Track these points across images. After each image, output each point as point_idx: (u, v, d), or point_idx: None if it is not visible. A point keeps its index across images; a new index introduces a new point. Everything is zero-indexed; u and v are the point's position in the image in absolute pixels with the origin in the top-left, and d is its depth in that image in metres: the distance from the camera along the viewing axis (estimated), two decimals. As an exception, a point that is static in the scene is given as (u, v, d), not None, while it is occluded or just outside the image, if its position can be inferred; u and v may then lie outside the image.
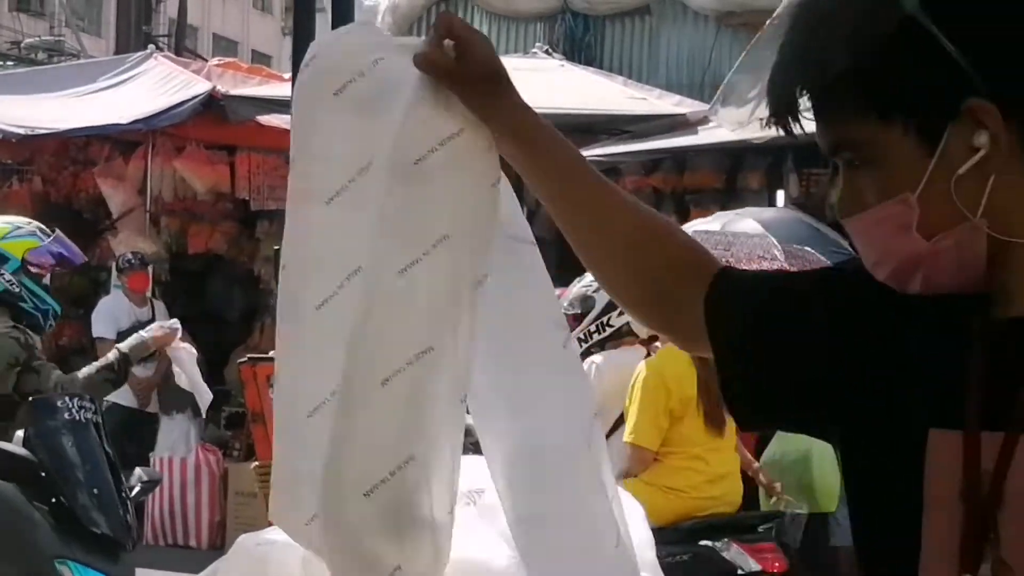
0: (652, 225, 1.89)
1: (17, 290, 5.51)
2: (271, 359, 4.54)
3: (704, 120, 11.25)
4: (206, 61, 15.33)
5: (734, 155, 11.47)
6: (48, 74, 16.14)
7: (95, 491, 5.19)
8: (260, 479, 5.31)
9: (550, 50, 12.52)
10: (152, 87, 12.74)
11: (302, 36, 4.58)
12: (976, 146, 1.52)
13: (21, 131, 12.46)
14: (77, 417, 5.22)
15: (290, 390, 2.26)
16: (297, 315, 2.19)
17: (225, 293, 13.32)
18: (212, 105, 11.96)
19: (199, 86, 12.34)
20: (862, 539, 1.68)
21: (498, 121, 1.91)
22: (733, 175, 11.51)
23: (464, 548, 2.57)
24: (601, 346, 6.96)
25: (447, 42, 1.84)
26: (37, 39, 30.35)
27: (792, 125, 1.66)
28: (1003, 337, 1.55)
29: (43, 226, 5.79)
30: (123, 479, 5.42)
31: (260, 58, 34.31)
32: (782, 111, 1.65)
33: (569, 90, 11.56)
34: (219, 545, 10.13)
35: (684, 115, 11.17)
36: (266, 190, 12.58)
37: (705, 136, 10.98)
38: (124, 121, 12.16)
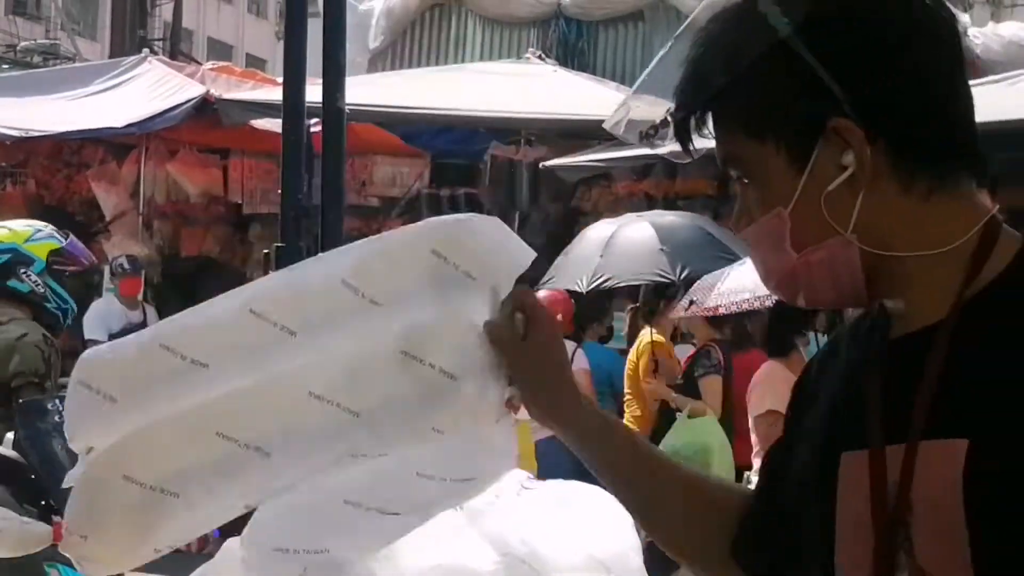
0: (704, 499, 1.95)
1: (42, 291, 5.64)
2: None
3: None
4: (200, 65, 15.31)
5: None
6: (43, 77, 16.10)
7: (80, 494, 5.12)
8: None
9: (543, 55, 12.49)
10: (146, 91, 12.73)
11: (294, 40, 4.54)
12: (844, 164, 1.57)
13: (16, 134, 12.45)
14: (64, 420, 5.13)
15: None
16: None
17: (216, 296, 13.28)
18: (205, 109, 11.96)
19: (193, 90, 12.33)
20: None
21: (564, 423, 1.96)
22: (725, 181, 11.46)
23: (450, 553, 2.53)
24: None
25: (518, 316, 1.89)
26: (33, 42, 30.29)
27: (688, 142, 1.73)
28: (894, 354, 1.62)
29: (60, 230, 5.92)
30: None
31: (255, 62, 34.20)
32: (678, 127, 1.72)
33: (562, 95, 11.54)
34: (210, 550, 10.09)
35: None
36: (259, 193, 12.57)
37: (698, 141, 10.90)
38: (118, 124, 12.15)
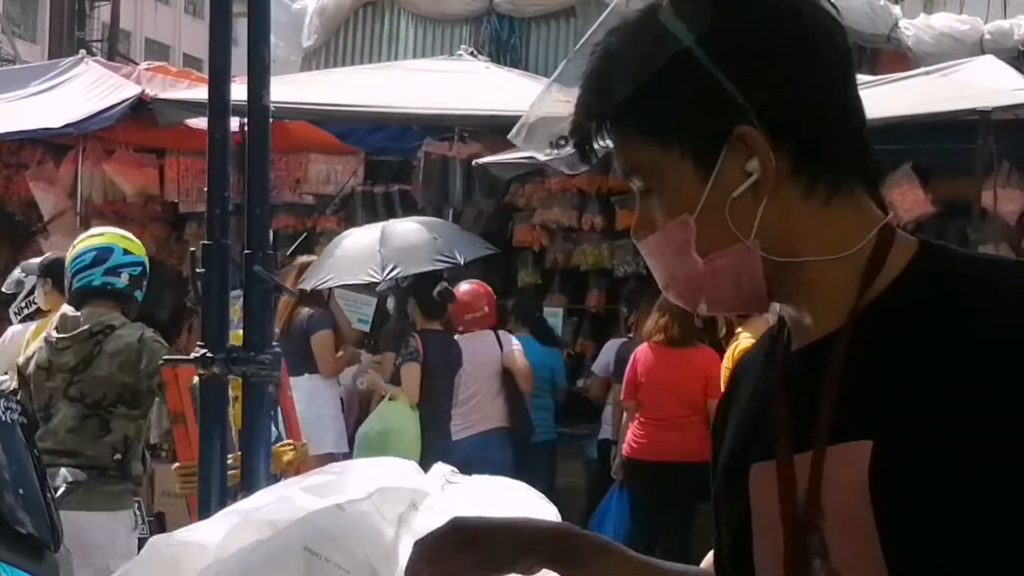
0: None
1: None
2: (192, 360, 4.52)
3: (629, 121, 11.16)
4: (136, 65, 15.15)
5: (658, 155, 11.42)
6: (-19, 79, 15.90)
7: (20, 491, 5.09)
8: (182, 480, 5.18)
9: (476, 52, 12.42)
10: (83, 91, 12.61)
11: (219, 38, 4.45)
12: (748, 171, 1.58)
13: (-44, 136, 12.32)
14: (3, 418, 5.13)
15: None
16: None
17: (155, 294, 13.10)
18: (141, 109, 11.87)
19: (128, 90, 12.23)
20: None
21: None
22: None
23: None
24: (31, 318, 8.02)
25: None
26: (-28, 45, 29.98)
27: (588, 152, 1.72)
28: (800, 363, 1.65)
29: None
30: (48, 480, 5.30)
31: (192, 62, 33.93)
32: (577, 139, 1.72)
33: (494, 92, 11.46)
34: (147, 546, 9.95)
35: (608, 116, 11.08)
36: (195, 192, 12.46)
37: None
38: (55, 125, 12.05)
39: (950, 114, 9.66)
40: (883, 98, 10.09)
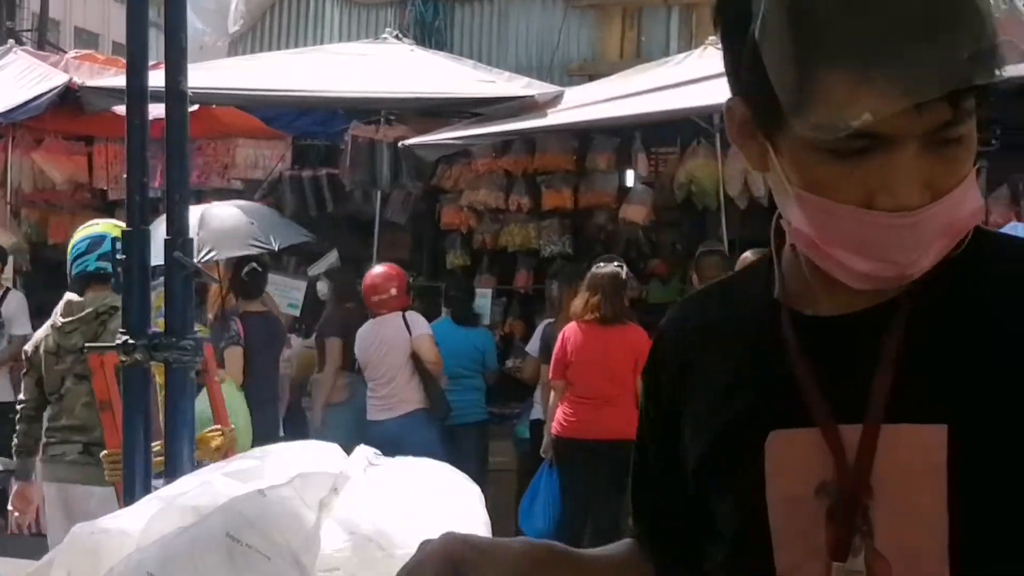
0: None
1: None
2: (114, 347, 4.45)
3: (553, 102, 11.15)
4: (65, 54, 14.97)
5: (584, 136, 11.40)
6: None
7: None
8: (109, 467, 5.11)
9: (400, 35, 12.34)
10: (11, 81, 12.50)
11: (136, 23, 4.38)
12: None
13: None
14: None
15: None
16: None
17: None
18: (69, 97, 11.77)
19: (57, 78, 12.13)
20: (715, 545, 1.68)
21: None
22: (583, 156, 11.45)
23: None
24: None
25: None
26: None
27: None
28: (826, 330, 1.58)
29: None
30: None
31: (120, 50, 33.47)
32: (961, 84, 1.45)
33: (419, 74, 11.41)
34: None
35: (533, 97, 11.07)
36: (123, 180, 12.27)
37: (554, 117, 10.89)
38: (-16, 115, 11.90)
39: None
40: None
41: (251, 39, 14.30)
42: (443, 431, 9.72)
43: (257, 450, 3.13)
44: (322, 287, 11.08)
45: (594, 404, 8.98)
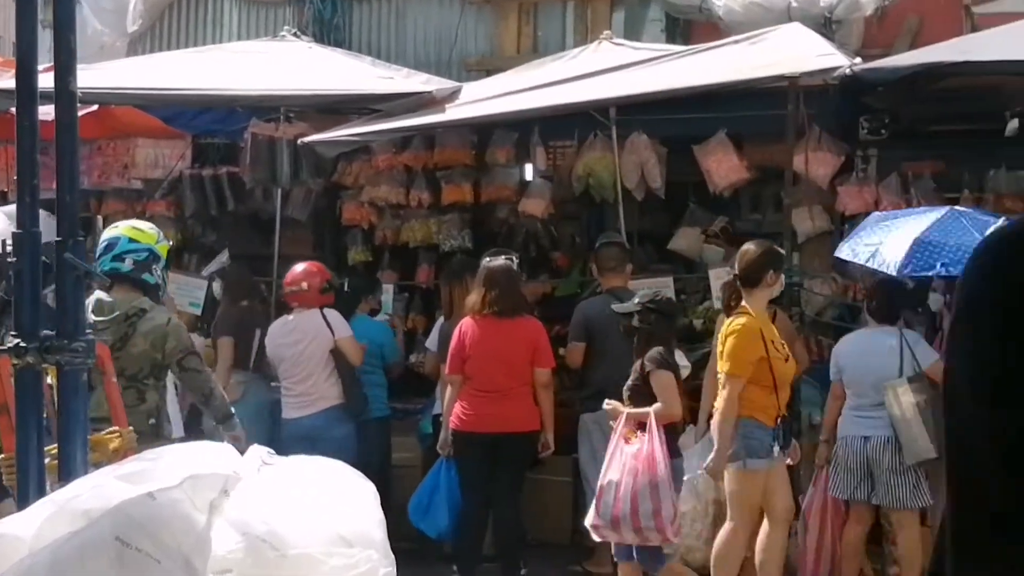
0: None
1: (161, 284, 6.93)
2: (6, 350, 4.37)
3: (451, 97, 11.11)
4: (-38, 55, 14.70)
5: (482, 131, 11.39)
6: None
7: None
8: (6, 472, 5.01)
9: (299, 33, 12.24)
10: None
11: (25, 24, 4.30)
12: None
13: None
14: None
15: None
16: None
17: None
18: (-32, 99, 11.47)
19: (-46, 81, 11.82)
20: None
21: None
22: (482, 150, 11.43)
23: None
24: None
25: None
26: None
27: None
28: None
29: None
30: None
31: (18, 50, 33.04)
32: None
33: (318, 72, 11.33)
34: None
35: (431, 93, 11.03)
36: (19, 181, 12.11)
37: (453, 113, 10.86)
38: None
39: (760, 81, 9.75)
40: (697, 67, 10.20)
41: (150, 39, 14.11)
42: (353, 427, 9.67)
43: (150, 452, 3.09)
44: (217, 286, 10.98)
45: (492, 398, 8.96)
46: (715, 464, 7.86)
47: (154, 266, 6.82)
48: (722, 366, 7.86)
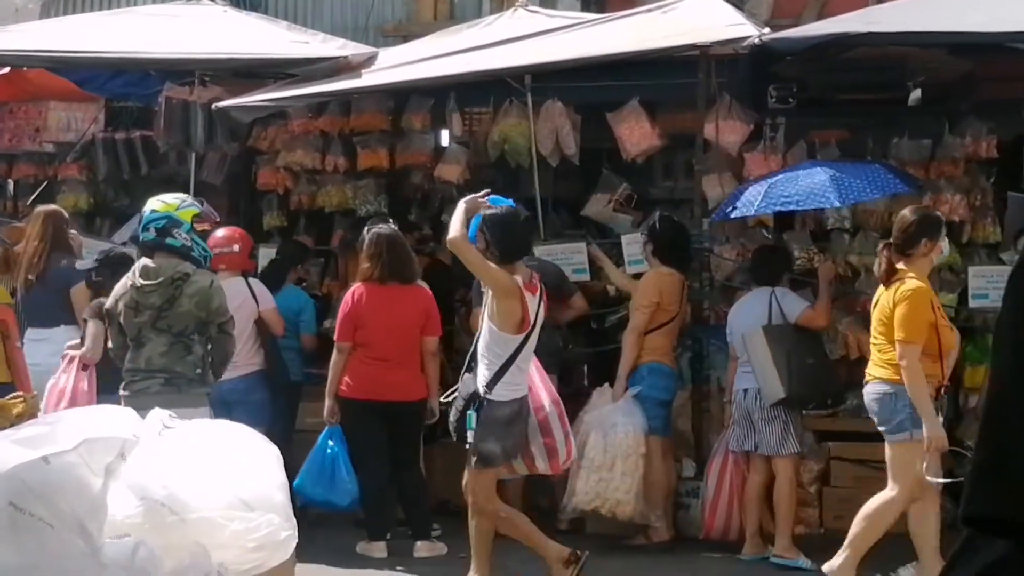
0: None
1: (189, 244, 7.32)
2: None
3: (368, 63, 11.02)
4: None
5: (399, 96, 11.30)
6: None
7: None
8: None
9: (214, -3, 12.08)
10: None
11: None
12: None
13: None
14: None
15: None
16: None
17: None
18: None
19: None
20: None
21: None
22: (398, 116, 11.35)
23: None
24: None
25: None
26: None
27: None
28: None
29: (196, 198, 7.84)
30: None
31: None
32: None
33: (234, 36, 11.18)
34: None
35: (347, 58, 10.93)
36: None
37: (369, 78, 10.77)
38: None
39: (671, 50, 9.81)
40: (610, 35, 10.19)
41: (63, 2, 13.88)
42: (273, 392, 9.59)
43: (49, 416, 3.02)
44: (132, 252, 10.81)
45: (385, 365, 8.90)
46: (934, 431, 7.46)
47: (175, 231, 7.33)
48: (897, 333, 7.53)
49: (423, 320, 9.00)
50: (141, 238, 7.54)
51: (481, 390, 7.42)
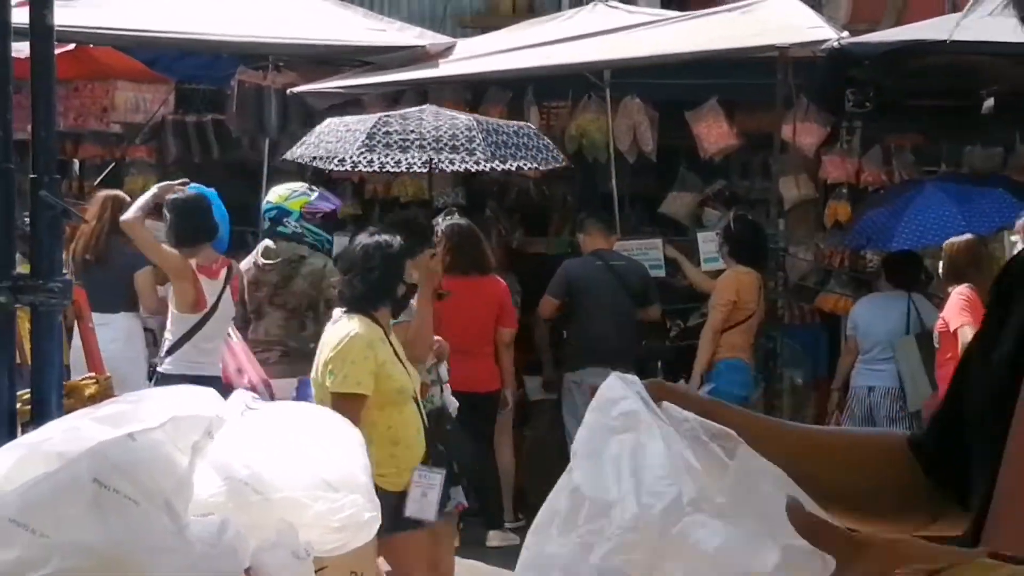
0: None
1: (300, 231, 8.06)
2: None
3: (445, 53, 11.06)
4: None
5: (476, 88, 11.32)
6: None
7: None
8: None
9: (290, -20, 12.11)
10: None
11: None
12: None
13: None
14: None
15: None
16: None
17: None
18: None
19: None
20: None
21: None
22: (476, 107, 11.36)
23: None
24: None
25: None
26: None
27: None
28: None
29: (311, 186, 8.58)
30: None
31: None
32: None
33: (309, 21, 11.22)
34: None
35: (425, 47, 10.96)
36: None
37: (447, 68, 10.81)
38: None
39: (751, 50, 9.96)
40: (690, 33, 10.25)
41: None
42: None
43: (131, 395, 3.03)
44: None
45: (461, 356, 8.87)
46: None
47: (285, 219, 8.05)
48: None
49: (498, 311, 9.13)
50: (265, 228, 8.39)
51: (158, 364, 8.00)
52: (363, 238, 6.10)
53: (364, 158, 9.47)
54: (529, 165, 9.66)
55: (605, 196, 10.26)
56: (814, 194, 10.75)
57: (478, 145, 9.03)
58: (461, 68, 10.75)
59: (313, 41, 10.97)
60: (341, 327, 5.95)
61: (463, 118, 9.39)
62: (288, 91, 10.75)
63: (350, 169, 10.03)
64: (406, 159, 9.47)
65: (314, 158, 9.77)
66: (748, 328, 9.62)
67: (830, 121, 10.32)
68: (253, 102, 11.10)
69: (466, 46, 11.15)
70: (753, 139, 10.73)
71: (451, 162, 9.66)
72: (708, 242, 10.23)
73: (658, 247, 10.39)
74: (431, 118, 9.26)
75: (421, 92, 11.30)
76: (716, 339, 9.49)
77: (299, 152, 9.63)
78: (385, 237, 6.07)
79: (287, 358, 7.95)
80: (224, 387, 7.78)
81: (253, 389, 7.92)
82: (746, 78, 10.18)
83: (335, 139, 9.32)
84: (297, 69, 11.20)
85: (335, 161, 9.66)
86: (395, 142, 9.14)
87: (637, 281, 9.61)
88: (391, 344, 6.02)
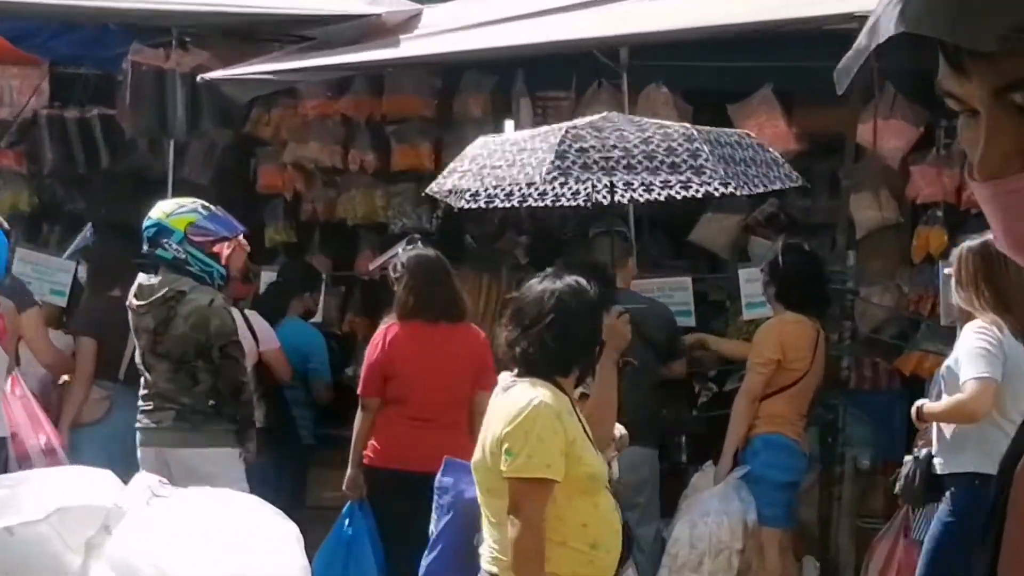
0: None
1: (183, 256, 8.30)
2: None
3: (409, 25, 11.03)
4: None
5: (448, 73, 11.38)
6: None
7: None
8: None
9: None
10: None
11: None
12: None
13: None
14: None
15: None
16: None
17: None
18: None
19: None
20: None
21: None
22: (448, 99, 11.44)
23: None
24: None
25: None
26: None
27: None
28: None
29: (206, 204, 8.74)
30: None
31: None
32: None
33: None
34: None
35: (380, 16, 10.99)
36: None
37: (410, 46, 10.77)
38: None
39: (819, 20, 9.45)
40: (733, 1, 10.21)
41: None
42: (280, 454, 9.81)
43: (7, 477, 3.24)
44: (83, 270, 10.87)
45: (422, 427, 8.98)
46: None
47: (165, 240, 8.32)
48: None
49: (474, 370, 8.98)
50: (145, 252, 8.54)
51: None
52: (547, 283, 6.12)
53: (557, 185, 9.52)
54: (767, 187, 9.18)
55: (620, 219, 10.27)
56: (897, 218, 10.63)
57: (706, 160, 8.54)
58: (428, 46, 10.70)
59: (230, 8, 10.91)
60: (520, 394, 5.94)
61: (675, 125, 9.04)
62: (199, 77, 10.63)
63: (551, 205, 9.94)
64: (616, 182, 9.47)
65: (475, 194, 9.44)
66: (798, 394, 9.54)
67: (924, 119, 10.21)
68: (152, 92, 11.02)
69: (435, 15, 11.13)
70: (818, 142, 10.72)
71: (666, 184, 9.53)
72: (753, 281, 10.09)
73: (687, 286, 10.42)
74: (630, 127, 8.86)
75: (376, 79, 11.36)
76: (753, 408, 9.48)
77: (451, 184, 9.04)
78: (579, 281, 6.14)
79: (184, 421, 8.40)
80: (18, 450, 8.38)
81: (51, 452, 8.49)
82: (811, 59, 9.90)
83: (505, 162, 8.78)
84: (211, 47, 11.09)
85: (517, 194, 9.59)
86: (595, 161, 8.60)
87: (660, 329, 9.56)
88: (579, 418, 6.04)
